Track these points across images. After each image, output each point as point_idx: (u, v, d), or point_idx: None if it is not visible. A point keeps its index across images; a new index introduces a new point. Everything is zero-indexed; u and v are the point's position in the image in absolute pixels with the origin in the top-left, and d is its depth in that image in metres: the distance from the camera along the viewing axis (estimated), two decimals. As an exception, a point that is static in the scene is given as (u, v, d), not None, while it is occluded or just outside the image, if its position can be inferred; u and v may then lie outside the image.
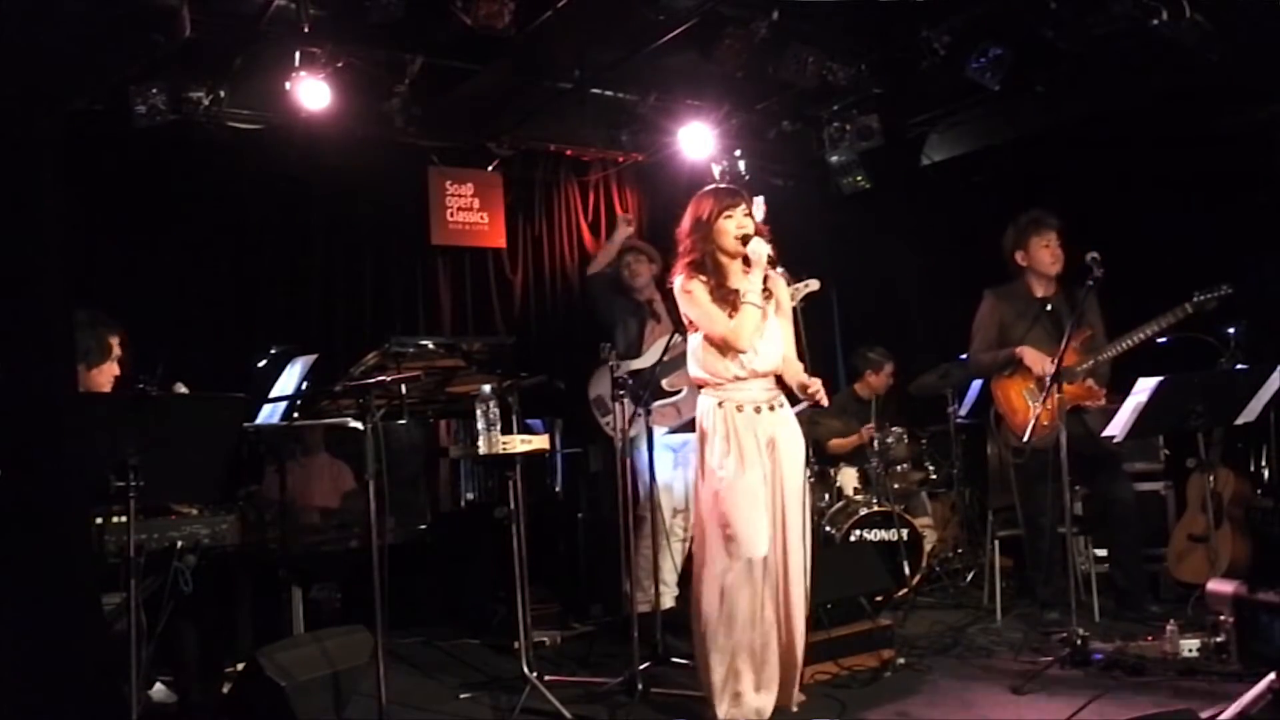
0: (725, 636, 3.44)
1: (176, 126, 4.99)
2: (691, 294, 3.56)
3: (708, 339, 3.55)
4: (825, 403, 3.67)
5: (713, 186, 3.74)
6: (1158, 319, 4.41)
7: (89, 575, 2.79)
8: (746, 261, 3.55)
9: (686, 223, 3.64)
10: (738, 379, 3.53)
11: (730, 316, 3.49)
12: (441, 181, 6.17)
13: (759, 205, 3.74)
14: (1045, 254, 4.75)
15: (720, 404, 3.53)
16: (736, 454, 3.47)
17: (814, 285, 4.00)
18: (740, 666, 3.45)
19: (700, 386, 3.64)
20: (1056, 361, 4.13)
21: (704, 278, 3.55)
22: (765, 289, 3.56)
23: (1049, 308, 4.75)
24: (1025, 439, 4.32)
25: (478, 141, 6.14)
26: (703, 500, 3.58)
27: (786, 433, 3.57)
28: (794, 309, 3.71)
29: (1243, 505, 4.90)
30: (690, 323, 3.63)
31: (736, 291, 3.52)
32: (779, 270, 3.65)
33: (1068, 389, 4.44)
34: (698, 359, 3.61)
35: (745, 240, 3.52)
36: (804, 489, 3.62)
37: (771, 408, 3.56)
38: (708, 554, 3.50)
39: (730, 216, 3.55)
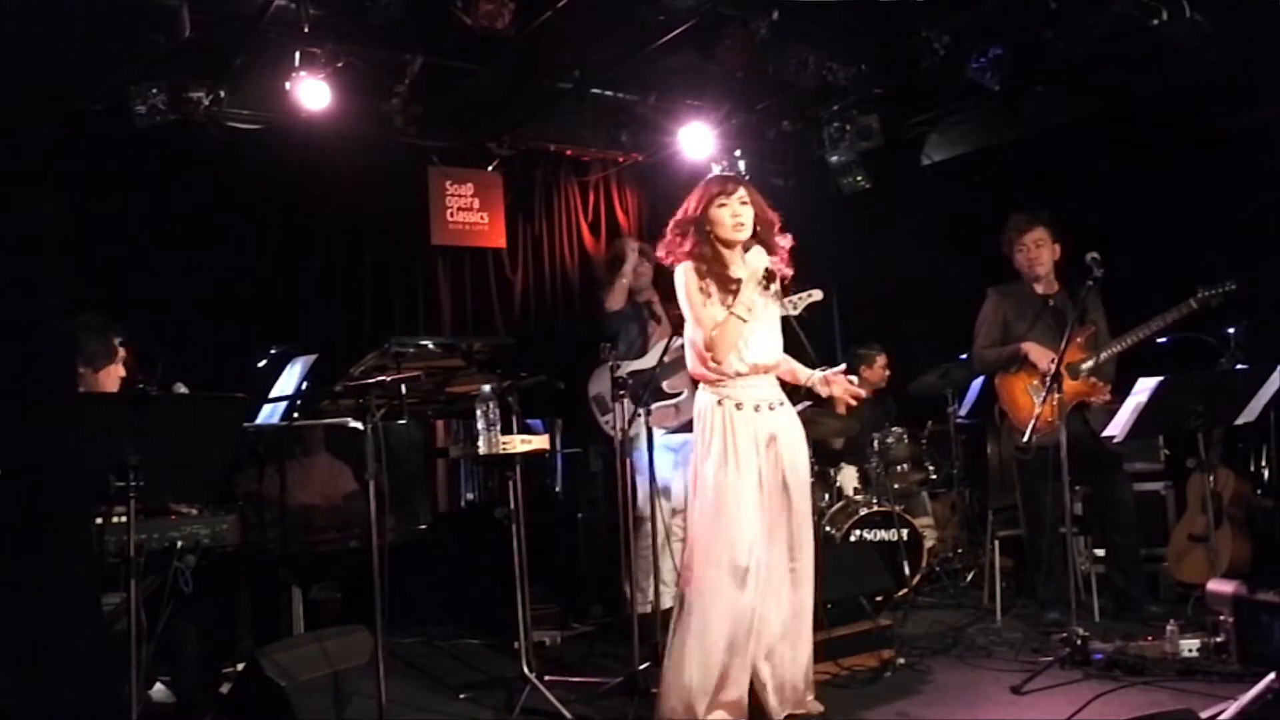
0: (711, 642, 3.34)
1: (176, 126, 4.99)
2: (682, 286, 3.51)
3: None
4: (861, 393, 3.64)
5: (711, 175, 3.65)
6: (1162, 315, 4.40)
7: (89, 575, 2.79)
8: (749, 246, 3.47)
9: (678, 214, 3.58)
10: (739, 374, 3.47)
11: (727, 307, 3.42)
12: (441, 181, 6.17)
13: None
14: (1020, 258, 4.82)
15: (720, 402, 3.46)
16: (733, 458, 3.40)
17: (817, 295, 3.93)
18: (725, 673, 3.34)
19: (701, 382, 3.57)
20: (1057, 360, 4.13)
21: (703, 266, 3.49)
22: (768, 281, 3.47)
23: (1051, 304, 4.76)
24: (1026, 438, 4.32)
25: (478, 141, 6.13)
26: (693, 502, 3.52)
27: (788, 432, 3.51)
28: (795, 318, 3.68)
29: (1243, 505, 4.90)
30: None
31: (739, 282, 3.44)
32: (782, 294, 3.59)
33: (1072, 386, 4.44)
34: (697, 354, 3.54)
35: (739, 229, 3.46)
36: (808, 490, 3.58)
37: (772, 406, 3.49)
38: (696, 558, 3.45)
39: (724, 205, 3.48)
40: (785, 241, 3.61)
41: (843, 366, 3.64)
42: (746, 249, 3.48)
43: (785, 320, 3.63)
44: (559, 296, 6.61)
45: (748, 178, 3.66)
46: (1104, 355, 4.58)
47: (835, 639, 3.98)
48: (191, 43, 4.46)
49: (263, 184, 5.59)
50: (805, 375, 3.64)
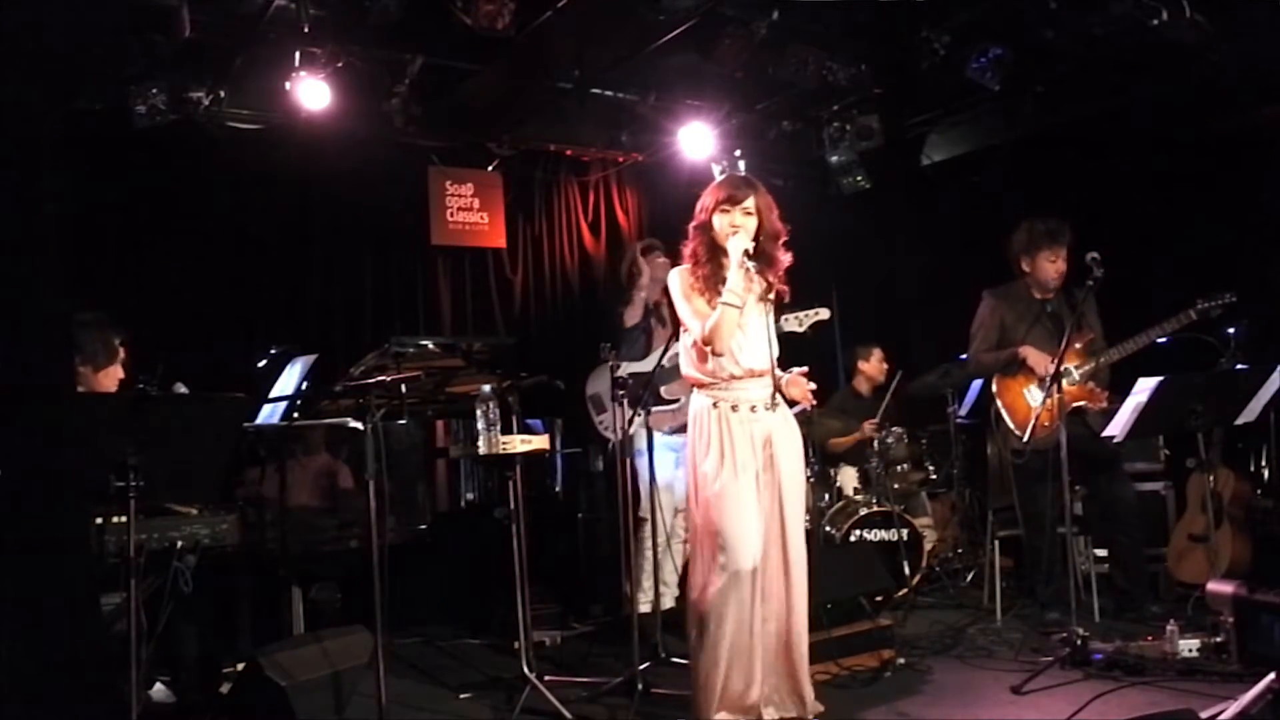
0: (712, 644, 3.35)
1: (176, 126, 4.99)
2: (672, 287, 3.51)
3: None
4: (812, 400, 3.62)
5: (725, 178, 3.64)
6: (1161, 324, 4.40)
7: (89, 575, 2.79)
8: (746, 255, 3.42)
9: (695, 214, 3.57)
10: (734, 378, 3.46)
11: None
12: (441, 181, 6.17)
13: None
14: (1050, 269, 4.72)
15: (715, 404, 3.46)
16: (730, 461, 3.39)
17: (824, 314, 3.90)
18: (729, 674, 3.36)
19: (695, 386, 3.56)
20: (1056, 362, 4.14)
21: (697, 270, 3.48)
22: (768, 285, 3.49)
23: (1049, 309, 4.76)
24: (1025, 439, 4.32)
25: (478, 141, 6.14)
26: (693, 505, 3.53)
27: (784, 433, 3.49)
28: (799, 334, 3.68)
29: (1243, 505, 4.90)
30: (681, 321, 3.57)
31: None
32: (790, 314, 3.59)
33: (1069, 390, 4.44)
34: (691, 359, 3.54)
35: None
36: (803, 491, 3.58)
37: (768, 407, 3.48)
38: (698, 560, 3.47)
39: (727, 211, 3.45)
40: (786, 258, 3.55)
41: (805, 369, 3.60)
42: (749, 258, 3.41)
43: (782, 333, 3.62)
44: (559, 296, 6.61)
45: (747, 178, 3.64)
46: (1102, 361, 4.57)
47: (835, 639, 3.98)
48: (191, 43, 4.46)
49: (263, 184, 5.59)
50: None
